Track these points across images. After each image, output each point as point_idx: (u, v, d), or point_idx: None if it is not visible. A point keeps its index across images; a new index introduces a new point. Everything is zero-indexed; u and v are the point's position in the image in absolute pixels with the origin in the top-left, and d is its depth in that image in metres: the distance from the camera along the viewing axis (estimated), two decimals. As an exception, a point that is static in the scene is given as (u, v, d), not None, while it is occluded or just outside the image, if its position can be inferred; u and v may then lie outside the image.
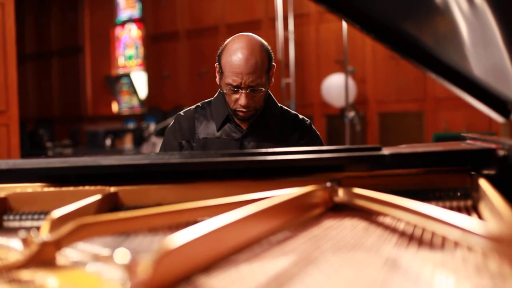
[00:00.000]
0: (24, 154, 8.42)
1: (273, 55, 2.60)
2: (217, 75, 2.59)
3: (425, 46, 1.49)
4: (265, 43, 2.58)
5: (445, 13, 1.65)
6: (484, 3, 1.59)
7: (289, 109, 2.77)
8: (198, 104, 2.76)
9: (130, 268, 0.90)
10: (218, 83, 2.58)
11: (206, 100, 2.76)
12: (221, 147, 2.61)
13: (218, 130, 2.63)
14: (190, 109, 2.76)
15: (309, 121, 2.75)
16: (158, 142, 8.71)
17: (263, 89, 2.50)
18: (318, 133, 2.77)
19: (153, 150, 8.96)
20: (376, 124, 9.64)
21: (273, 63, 2.59)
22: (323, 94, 9.21)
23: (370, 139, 9.62)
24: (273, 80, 2.62)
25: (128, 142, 11.35)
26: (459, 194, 1.53)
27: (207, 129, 2.66)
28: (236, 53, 2.47)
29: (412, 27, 1.55)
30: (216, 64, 2.58)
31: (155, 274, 0.87)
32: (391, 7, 1.56)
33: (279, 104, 2.75)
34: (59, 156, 6.49)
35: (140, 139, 10.95)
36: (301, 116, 2.75)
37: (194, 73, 11.32)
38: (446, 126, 8.81)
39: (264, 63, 2.49)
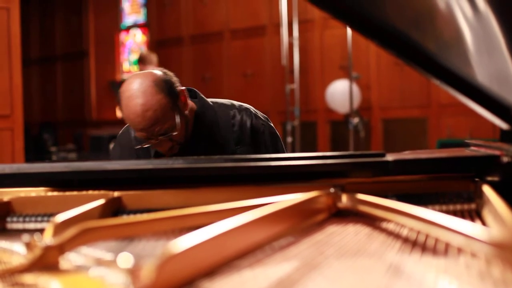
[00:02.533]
0: (28, 159, 8.43)
1: (173, 83, 2.38)
2: None
3: (429, 52, 1.49)
4: (159, 77, 2.34)
5: (449, 19, 1.65)
6: (488, 10, 1.59)
7: (224, 102, 2.61)
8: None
9: (133, 272, 0.90)
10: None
11: None
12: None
13: (155, 156, 2.49)
14: (125, 129, 2.65)
15: (252, 108, 2.60)
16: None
17: (176, 129, 2.32)
18: (263, 117, 2.61)
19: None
20: (380, 130, 9.64)
21: (178, 90, 2.38)
22: (327, 100, 9.21)
23: (374, 145, 9.62)
24: (188, 103, 2.43)
25: (132, 147, 11.35)
26: (462, 200, 1.53)
27: (144, 150, 2.48)
28: (131, 108, 2.27)
29: (416, 33, 1.55)
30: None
31: (158, 279, 0.87)
32: (396, 13, 1.56)
33: (210, 102, 2.58)
34: (63, 161, 6.50)
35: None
36: (242, 106, 2.59)
37: (198, 79, 11.33)
38: (450, 132, 8.80)
39: (164, 105, 2.28)
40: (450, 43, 1.67)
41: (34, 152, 11.30)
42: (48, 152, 9.71)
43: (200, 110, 2.53)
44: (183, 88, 2.42)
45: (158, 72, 2.38)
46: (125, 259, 1.02)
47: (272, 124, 2.64)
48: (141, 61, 7.74)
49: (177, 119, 2.33)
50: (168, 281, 0.91)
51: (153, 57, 8.02)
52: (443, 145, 7.78)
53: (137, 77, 2.34)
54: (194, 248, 0.97)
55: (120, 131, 2.70)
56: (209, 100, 2.61)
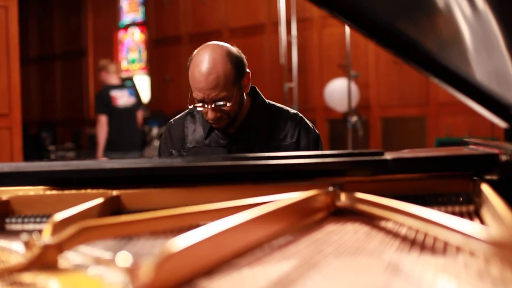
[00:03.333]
0: (27, 157, 8.43)
1: (244, 63, 2.51)
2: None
3: (428, 51, 1.49)
4: (234, 51, 2.49)
5: (448, 18, 1.65)
6: (487, 9, 1.60)
7: (279, 105, 2.71)
8: (188, 110, 2.70)
9: (131, 271, 0.90)
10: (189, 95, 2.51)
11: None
12: (210, 155, 2.56)
13: (205, 138, 2.60)
14: (181, 116, 2.73)
15: (300, 115, 2.69)
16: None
17: (229, 103, 2.41)
18: (311, 125, 2.70)
19: (156, 154, 8.96)
20: (378, 129, 9.64)
21: (246, 71, 2.50)
22: (325, 99, 9.21)
23: (372, 144, 9.61)
24: (249, 86, 2.57)
25: (130, 146, 11.33)
26: (461, 199, 1.53)
27: (196, 137, 2.63)
28: (197, 67, 2.39)
29: (415, 32, 1.55)
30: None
31: (156, 278, 0.87)
32: (394, 11, 1.56)
33: (267, 101, 2.69)
34: (61, 159, 6.49)
35: (142, 143, 10.95)
36: (292, 111, 2.68)
37: (197, 77, 11.31)
38: (449, 131, 8.80)
39: (228, 76, 2.39)
40: (449, 42, 1.67)
41: (33, 150, 11.29)
42: (46, 151, 9.71)
43: (256, 104, 2.63)
44: (249, 71, 2.53)
45: (234, 48, 2.51)
46: (124, 258, 1.02)
47: (317, 132, 2.72)
48: (102, 69, 7.86)
49: (235, 93, 2.43)
50: (167, 280, 0.91)
51: (112, 67, 8.22)
52: (442, 143, 7.78)
53: (213, 44, 2.47)
54: (193, 247, 0.97)
55: (169, 124, 2.77)
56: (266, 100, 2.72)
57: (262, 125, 2.62)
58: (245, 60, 2.52)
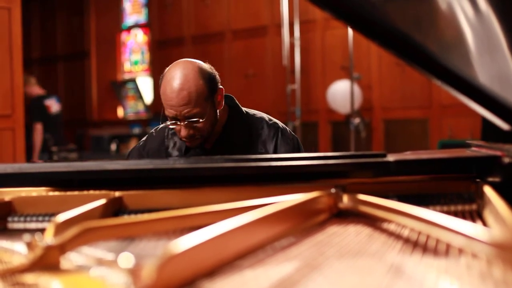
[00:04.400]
0: (29, 158, 8.44)
1: (217, 79, 2.49)
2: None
3: (430, 53, 1.49)
4: (206, 68, 2.47)
5: (451, 20, 1.65)
6: (490, 11, 1.59)
7: (256, 114, 2.68)
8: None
9: (134, 272, 0.90)
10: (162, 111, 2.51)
11: None
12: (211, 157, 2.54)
13: (185, 154, 2.60)
14: (163, 127, 2.71)
15: (278, 123, 2.66)
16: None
17: (202, 119, 2.40)
18: (290, 132, 2.67)
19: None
20: (381, 131, 9.64)
21: (218, 87, 2.48)
22: (328, 101, 9.21)
23: (375, 146, 9.61)
24: (222, 103, 2.53)
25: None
26: (463, 200, 1.53)
27: (176, 150, 2.63)
28: (168, 84, 2.39)
29: (418, 34, 1.55)
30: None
31: (159, 279, 0.87)
32: (397, 13, 1.56)
33: (245, 111, 2.66)
34: (64, 161, 6.49)
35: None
36: (271, 121, 2.65)
37: (199, 79, 11.32)
38: (451, 133, 8.80)
39: (200, 92, 2.38)
40: (452, 44, 1.67)
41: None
42: (49, 152, 9.69)
43: (233, 116, 2.62)
44: (222, 88, 2.51)
45: (206, 64, 2.50)
46: (126, 259, 1.02)
47: (299, 140, 2.71)
48: (25, 84, 8.36)
49: (207, 110, 2.42)
50: (169, 281, 0.91)
51: (32, 79, 9.05)
52: (444, 145, 7.77)
53: (184, 61, 2.47)
54: (195, 248, 0.97)
55: (146, 137, 2.77)
56: (244, 109, 2.69)
57: (240, 137, 2.60)
58: (218, 76, 2.50)
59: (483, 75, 1.62)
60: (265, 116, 2.68)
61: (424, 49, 1.48)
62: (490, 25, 1.58)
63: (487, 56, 1.68)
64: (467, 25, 1.62)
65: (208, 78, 2.43)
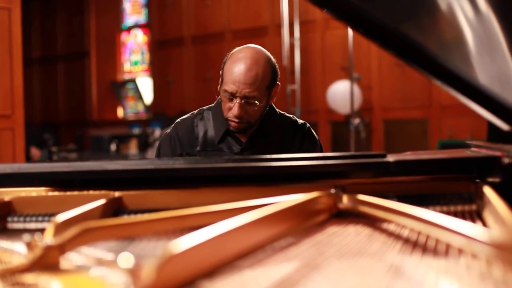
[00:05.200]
0: (29, 159, 8.45)
1: (278, 73, 2.57)
2: (219, 81, 2.55)
3: (430, 53, 1.49)
4: (273, 60, 2.56)
5: (451, 20, 1.65)
6: (490, 11, 1.59)
7: (287, 114, 2.76)
8: (196, 111, 2.74)
9: (134, 272, 0.90)
10: (218, 89, 2.55)
11: (204, 108, 2.73)
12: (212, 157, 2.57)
13: (219, 143, 2.62)
14: (189, 117, 2.73)
15: (308, 125, 2.74)
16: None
17: (258, 103, 2.47)
18: (317, 136, 2.76)
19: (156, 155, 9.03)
20: (381, 131, 9.64)
21: (277, 82, 2.57)
22: (328, 101, 9.21)
23: (375, 146, 9.61)
24: (274, 99, 2.61)
25: (133, 147, 11.36)
26: (463, 201, 1.53)
27: (208, 139, 2.64)
28: (239, 61, 2.45)
29: (417, 34, 1.55)
30: (221, 71, 2.55)
31: (158, 279, 0.87)
32: (397, 14, 1.56)
33: (278, 111, 2.73)
34: (64, 161, 6.50)
35: (145, 145, 10.96)
36: (300, 122, 2.74)
37: (199, 79, 11.32)
38: (451, 133, 8.80)
39: (265, 78, 2.46)
40: (452, 44, 1.67)
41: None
42: (49, 152, 9.72)
43: (268, 114, 2.66)
44: (279, 84, 2.59)
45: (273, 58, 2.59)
46: (126, 259, 1.02)
47: (321, 143, 2.79)
48: None
49: (264, 98, 2.50)
50: (169, 281, 0.91)
51: None
52: (444, 146, 7.77)
53: (257, 47, 2.55)
54: (195, 248, 0.97)
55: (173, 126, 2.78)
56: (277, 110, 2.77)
57: (274, 135, 2.65)
58: (278, 72, 2.58)
59: (483, 76, 1.62)
60: (293, 116, 2.77)
61: (424, 50, 1.48)
62: (490, 25, 1.58)
63: (487, 57, 1.68)
64: (467, 25, 1.62)
65: (274, 69, 2.53)
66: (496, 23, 1.59)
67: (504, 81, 1.63)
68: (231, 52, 2.55)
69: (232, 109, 2.46)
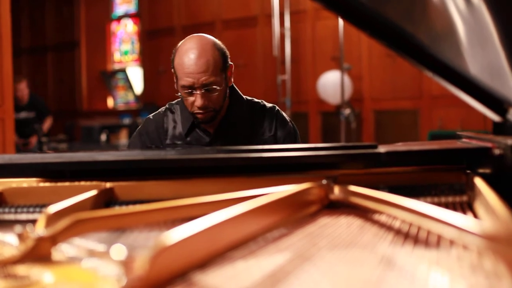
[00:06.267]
0: (19, 149, 8.42)
1: (228, 55, 2.59)
2: (174, 80, 2.57)
3: (421, 44, 1.49)
4: (219, 42, 2.58)
5: (442, 11, 1.66)
6: (481, 2, 1.60)
7: (255, 100, 2.78)
8: (166, 106, 2.77)
9: (126, 264, 0.90)
10: (175, 87, 2.57)
11: (173, 102, 2.77)
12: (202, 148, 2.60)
13: (186, 136, 2.64)
14: (160, 111, 2.77)
15: (277, 107, 2.76)
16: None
17: (218, 88, 2.49)
18: (287, 118, 2.77)
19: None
20: (371, 122, 9.66)
21: (229, 63, 2.60)
22: (318, 91, 9.22)
23: (365, 137, 9.63)
24: (232, 80, 2.63)
25: (123, 137, 11.35)
26: (454, 192, 1.54)
27: (176, 133, 2.67)
28: (186, 54, 2.48)
29: (408, 25, 1.55)
30: (172, 69, 2.57)
31: (151, 271, 0.87)
32: (388, 4, 1.56)
33: (244, 97, 2.75)
34: (55, 151, 6.47)
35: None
36: (268, 105, 2.75)
37: (189, 69, 11.29)
38: (442, 124, 8.82)
39: (216, 62, 2.49)
40: (443, 35, 1.67)
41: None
42: (39, 143, 9.68)
43: (233, 101, 2.69)
44: (232, 64, 2.63)
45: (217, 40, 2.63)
46: (118, 251, 1.02)
47: (294, 125, 2.81)
48: None
49: (222, 81, 2.52)
50: (161, 273, 0.91)
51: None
52: (434, 136, 7.80)
53: (199, 35, 2.59)
54: (187, 240, 0.97)
55: (144, 121, 2.82)
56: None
57: (242, 122, 2.67)
58: (228, 53, 2.60)
59: (474, 67, 1.63)
60: (262, 101, 2.78)
61: (415, 40, 1.48)
62: (481, 16, 1.58)
63: (478, 48, 1.68)
64: (459, 16, 1.62)
65: (222, 51, 2.55)
66: (487, 14, 1.59)
67: (495, 72, 1.64)
68: (176, 48, 2.57)
69: (195, 101, 2.48)
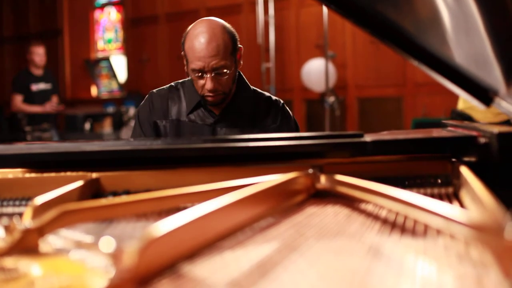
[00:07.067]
0: (3, 138, 8.38)
1: (238, 38, 2.62)
2: (184, 63, 2.60)
3: (405, 32, 1.49)
4: (228, 26, 2.60)
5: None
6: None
7: (262, 91, 2.81)
8: (172, 84, 2.79)
9: (115, 255, 0.90)
10: (186, 70, 2.60)
11: (179, 81, 2.79)
12: (193, 131, 2.65)
13: (189, 113, 2.67)
14: (164, 88, 2.79)
15: (281, 101, 2.78)
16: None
17: (229, 72, 2.52)
18: (291, 113, 2.80)
19: (135, 124, 8.99)
20: (355, 109, 9.67)
21: (239, 46, 2.62)
22: (303, 79, 9.21)
23: (349, 124, 9.65)
24: (241, 63, 2.66)
25: (107, 126, 11.30)
26: (440, 181, 1.54)
27: (180, 111, 2.69)
28: (197, 37, 2.49)
29: (392, 12, 1.55)
30: (182, 53, 2.59)
31: (140, 262, 0.87)
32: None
33: (251, 87, 2.78)
34: (40, 141, 6.44)
35: (119, 123, 10.91)
36: (274, 98, 2.78)
37: (173, 57, 11.26)
38: (426, 111, 8.85)
39: (227, 46, 2.51)
40: (428, 23, 1.67)
41: (9, 131, 11.19)
42: (22, 132, 9.62)
43: (240, 88, 2.73)
44: (241, 47, 2.66)
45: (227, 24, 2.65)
46: (107, 243, 1.02)
47: (297, 123, 2.85)
48: None
49: (232, 64, 2.56)
50: (150, 265, 0.91)
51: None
52: (418, 124, 7.82)
53: (209, 19, 2.60)
54: (175, 231, 0.97)
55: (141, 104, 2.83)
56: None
57: (247, 108, 2.70)
58: (237, 36, 2.62)
59: (459, 55, 1.63)
60: (267, 93, 2.82)
61: (399, 28, 1.49)
62: (467, 5, 1.58)
63: (463, 36, 1.69)
64: (444, 4, 1.62)
65: (232, 35, 2.58)
66: (472, 2, 1.60)
67: (480, 61, 1.64)
68: (186, 31, 2.59)
69: (206, 84, 2.50)
